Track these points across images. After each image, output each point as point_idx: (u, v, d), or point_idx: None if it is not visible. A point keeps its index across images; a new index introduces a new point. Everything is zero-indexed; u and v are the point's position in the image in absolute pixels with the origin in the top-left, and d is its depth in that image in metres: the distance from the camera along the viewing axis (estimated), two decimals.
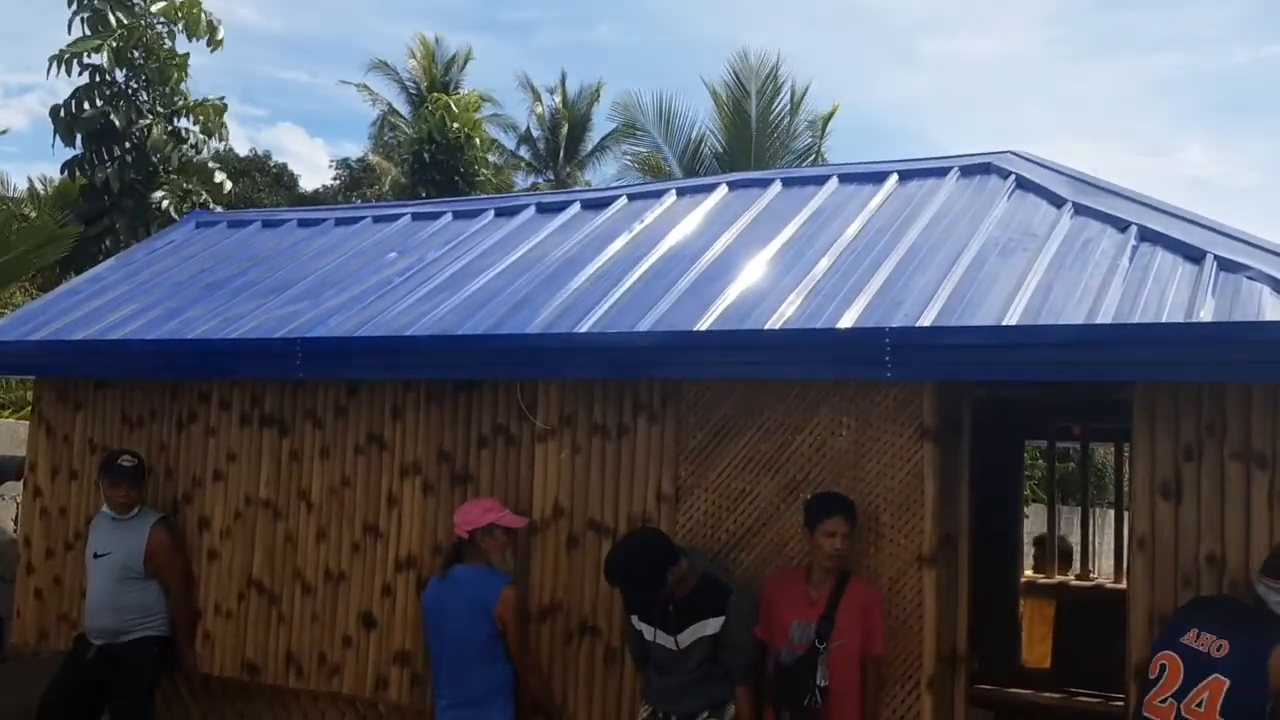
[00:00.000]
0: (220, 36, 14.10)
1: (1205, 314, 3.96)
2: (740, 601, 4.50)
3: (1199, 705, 3.53)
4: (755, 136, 18.42)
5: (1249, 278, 4.16)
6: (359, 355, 5.36)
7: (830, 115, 19.66)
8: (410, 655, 5.43)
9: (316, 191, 28.21)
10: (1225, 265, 4.29)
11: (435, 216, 7.12)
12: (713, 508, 4.90)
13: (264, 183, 26.39)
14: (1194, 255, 4.41)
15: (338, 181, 28.62)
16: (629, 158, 21.70)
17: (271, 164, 28.70)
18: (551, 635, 5.13)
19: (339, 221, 7.51)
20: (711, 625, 4.44)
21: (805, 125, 19.52)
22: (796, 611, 4.41)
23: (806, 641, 4.35)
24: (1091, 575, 7.58)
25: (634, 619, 4.61)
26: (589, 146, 26.76)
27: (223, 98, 14.12)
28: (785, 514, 4.75)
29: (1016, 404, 6.34)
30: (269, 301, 6.24)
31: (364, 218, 7.46)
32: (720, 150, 18.80)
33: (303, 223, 7.68)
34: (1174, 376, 3.96)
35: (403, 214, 7.31)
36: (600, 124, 26.42)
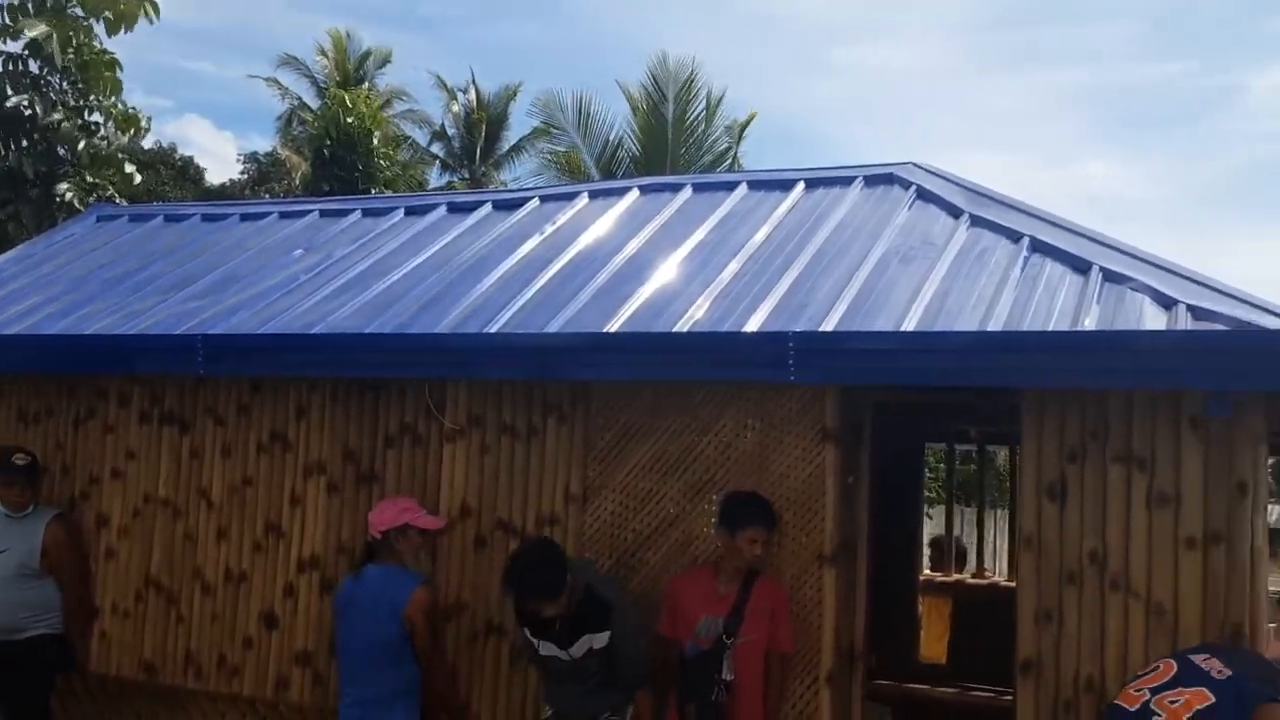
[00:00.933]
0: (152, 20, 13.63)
1: (1090, 323, 4.14)
2: (623, 615, 4.45)
3: (1173, 703, 3.49)
4: (671, 141, 18.56)
5: (1132, 289, 4.36)
6: (262, 352, 5.31)
7: (747, 123, 19.91)
8: (312, 655, 5.38)
9: (224, 185, 27.60)
10: (1110, 276, 4.48)
11: (344, 214, 7.07)
12: (620, 508, 4.95)
13: (169, 176, 25.73)
14: (1081, 266, 4.60)
15: (246, 176, 28.05)
16: (547, 156, 21.67)
17: (177, 157, 28.01)
18: (457, 635, 5.12)
19: (244, 217, 7.40)
20: (599, 639, 4.43)
21: (722, 131, 19.74)
22: (705, 607, 4.46)
23: (713, 636, 4.41)
24: (987, 574, 7.82)
25: (525, 632, 4.60)
26: (506, 146, 26.65)
27: (149, 118, 13.96)
28: (691, 514, 4.82)
29: (917, 407, 6.51)
30: (171, 297, 6.14)
31: (270, 213, 7.37)
32: (637, 153, 18.90)
33: (207, 218, 7.56)
34: (1060, 383, 4.12)
35: (310, 210, 7.24)
36: (518, 123, 26.37)
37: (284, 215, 7.32)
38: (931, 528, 10.01)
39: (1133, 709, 3.53)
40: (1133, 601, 4.09)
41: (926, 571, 7.85)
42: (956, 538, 8.15)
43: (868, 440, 4.79)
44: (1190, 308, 4.14)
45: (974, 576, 7.62)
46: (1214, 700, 3.42)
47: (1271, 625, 9.10)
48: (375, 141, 19.30)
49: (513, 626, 4.94)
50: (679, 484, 4.85)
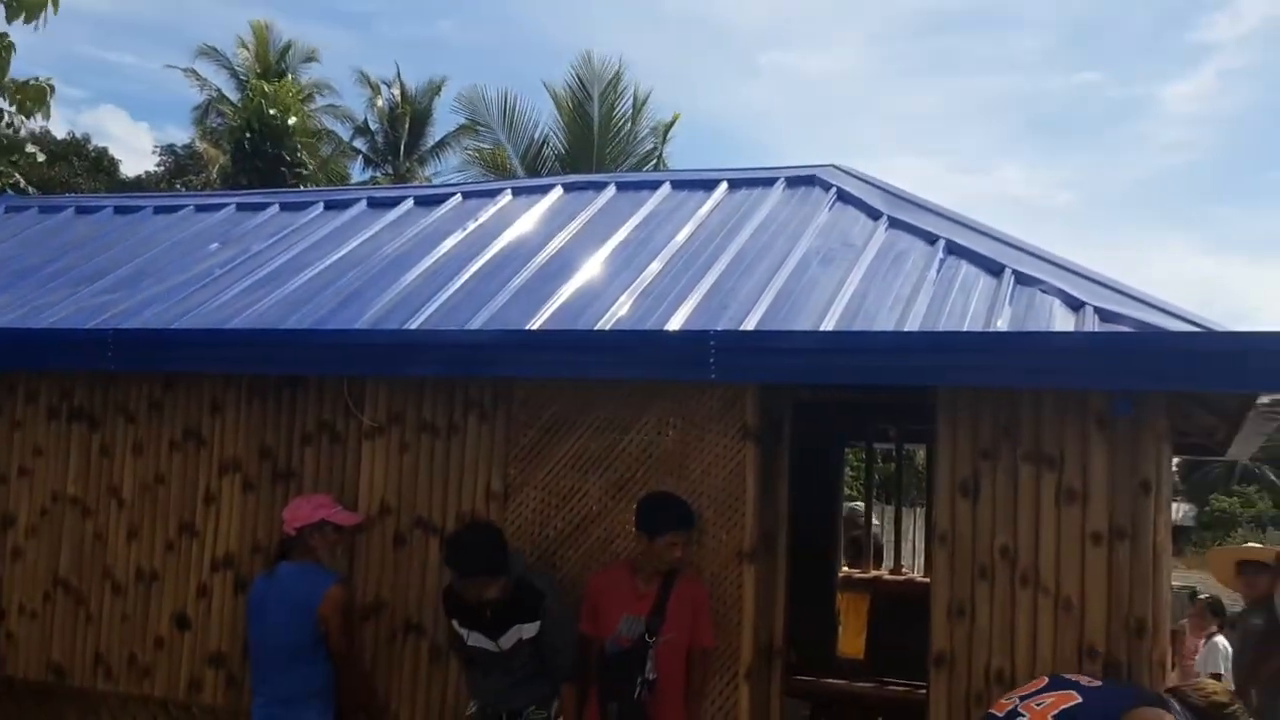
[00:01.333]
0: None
1: (1002, 324, 4.24)
2: (555, 604, 4.48)
3: (1038, 705, 3.52)
4: (597, 140, 18.54)
5: (1043, 291, 4.47)
6: (175, 347, 5.20)
7: (672, 123, 19.96)
8: (226, 656, 5.28)
9: (139, 178, 26.94)
10: (1022, 279, 4.59)
11: (261, 208, 6.96)
12: (541, 505, 4.94)
13: (82, 168, 25.05)
14: (994, 269, 4.71)
15: (162, 168, 27.39)
16: (471, 153, 21.48)
17: (91, 148, 27.27)
18: (376, 634, 5.07)
19: (159, 210, 7.25)
20: (529, 629, 4.45)
21: (648, 131, 19.77)
22: (625, 606, 4.47)
23: (635, 635, 4.42)
24: (904, 570, 7.96)
25: (455, 623, 4.59)
26: (430, 142, 26.39)
27: (50, 79, 13.40)
28: (613, 512, 4.82)
29: (837, 406, 6.60)
30: (81, 291, 5.99)
31: (185, 206, 7.23)
32: (562, 151, 18.84)
33: (120, 210, 7.39)
34: (973, 381, 4.21)
35: (227, 204, 7.12)
36: (443, 119, 26.11)
37: (200, 208, 7.18)
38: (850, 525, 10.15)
39: (1001, 714, 3.58)
40: (1041, 596, 4.19)
41: (845, 569, 7.95)
42: (875, 534, 8.27)
43: (787, 439, 4.84)
44: (1097, 310, 4.26)
45: (891, 573, 7.75)
46: (1080, 700, 3.47)
47: (1183, 621, 9.40)
48: (293, 130, 18.96)
49: (435, 622, 4.91)
50: (600, 482, 4.85)
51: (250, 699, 4.86)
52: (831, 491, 7.59)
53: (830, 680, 6.74)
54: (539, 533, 4.92)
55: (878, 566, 7.93)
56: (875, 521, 8.59)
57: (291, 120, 18.95)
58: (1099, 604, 4.11)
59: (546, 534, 4.91)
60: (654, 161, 19.18)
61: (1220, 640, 8.47)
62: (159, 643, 5.45)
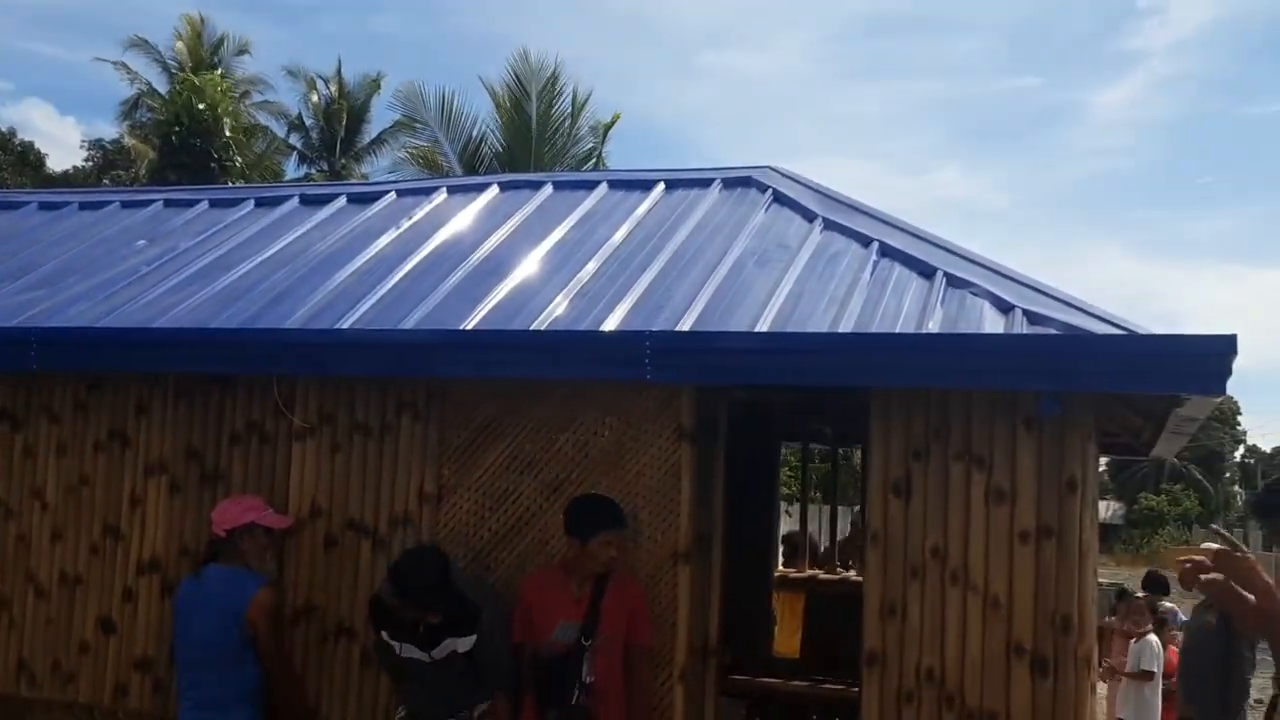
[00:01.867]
0: None
1: (933, 325, 4.29)
2: (491, 618, 4.40)
3: None
4: (535, 139, 18.44)
5: (973, 293, 4.53)
6: (100, 347, 5.09)
7: (611, 123, 19.94)
8: (152, 661, 5.17)
9: (67, 173, 26.35)
10: (954, 281, 4.65)
11: (190, 204, 6.84)
12: (475, 507, 4.90)
13: (7, 162, 24.44)
14: (927, 271, 4.76)
15: (90, 163, 26.78)
16: (408, 150, 21.26)
17: (16, 142, 26.61)
18: (307, 637, 4.99)
19: (84, 206, 7.09)
20: (464, 643, 4.36)
21: (588, 130, 19.71)
22: (560, 611, 4.42)
23: (570, 640, 4.39)
24: (839, 569, 8.01)
25: (383, 635, 4.50)
26: (367, 138, 26.08)
27: None
28: (548, 513, 4.79)
29: (774, 407, 6.63)
30: (3, 288, 5.85)
31: (112, 202, 7.08)
32: (500, 150, 18.71)
33: (44, 205, 7.22)
34: (905, 382, 4.25)
35: (154, 200, 6.98)
36: (380, 116, 25.82)
37: (126, 205, 7.03)
38: (789, 525, 10.21)
39: None
40: (971, 594, 4.24)
41: (781, 568, 7.99)
42: (810, 534, 8.32)
43: (723, 439, 4.85)
44: (1026, 312, 4.33)
45: (827, 572, 7.80)
46: None
47: (1109, 619, 9.54)
48: (228, 131, 18.65)
49: (365, 628, 4.83)
50: (535, 482, 4.83)
51: (177, 704, 4.76)
52: (768, 491, 7.63)
53: (766, 679, 6.76)
54: (473, 534, 4.88)
55: (814, 566, 7.98)
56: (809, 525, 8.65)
57: (226, 119, 18.61)
58: (1026, 602, 4.17)
59: (480, 536, 4.88)
60: (593, 161, 19.13)
61: (1153, 639, 8.63)
62: (84, 648, 5.32)
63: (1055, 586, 4.16)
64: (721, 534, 4.85)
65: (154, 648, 5.17)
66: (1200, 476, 41.38)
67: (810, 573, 7.81)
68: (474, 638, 4.36)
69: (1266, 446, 50.74)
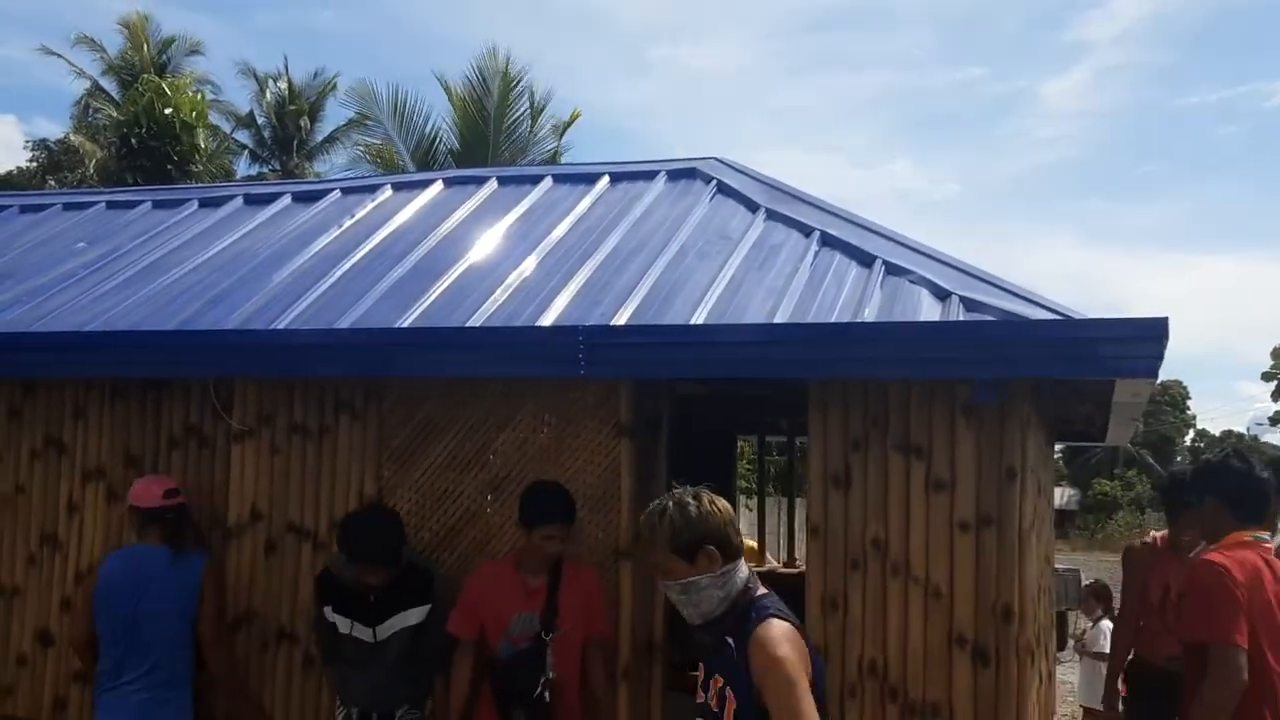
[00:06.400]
0: None
1: (870, 313, 4.24)
2: (443, 586, 4.42)
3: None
4: (493, 137, 18.29)
5: (911, 280, 4.49)
6: (30, 351, 5.00)
7: (570, 121, 19.80)
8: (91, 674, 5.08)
9: (10, 174, 25.87)
10: (892, 269, 4.61)
11: (133, 205, 6.74)
12: (416, 507, 4.84)
13: None
14: (866, 260, 4.72)
15: (35, 164, 26.25)
16: (360, 149, 21.05)
17: None
18: (248, 643, 4.92)
19: (25, 209, 6.98)
20: (415, 615, 4.33)
21: (548, 129, 19.58)
22: (515, 605, 4.29)
23: (530, 633, 4.27)
24: (796, 562, 7.99)
25: (328, 610, 4.43)
26: (319, 137, 25.78)
27: None
28: (488, 511, 4.74)
29: (727, 400, 6.59)
30: None
31: (53, 205, 6.98)
32: (456, 148, 18.56)
33: None
34: (840, 372, 4.20)
35: (96, 202, 6.89)
36: (334, 114, 25.55)
37: (68, 207, 6.93)
38: (748, 519, 10.18)
39: None
40: (912, 585, 4.20)
41: None
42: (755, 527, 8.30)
43: (665, 433, 4.80)
44: (963, 299, 4.28)
45: (784, 566, 7.78)
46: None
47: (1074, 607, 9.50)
48: (200, 138, 18.47)
49: (308, 631, 4.75)
50: (476, 481, 4.77)
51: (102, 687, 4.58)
52: (722, 485, 7.58)
53: None
54: (414, 535, 4.80)
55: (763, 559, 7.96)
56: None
57: (200, 130, 18.42)
58: (967, 592, 4.14)
59: (422, 536, 4.81)
60: (552, 159, 18.99)
61: (1106, 624, 8.64)
62: (21, 660, 5.23)
63: (996, 576, 4.12)
64: None
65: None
66: (1153, 461, 41.80)
67: (769, 565, 7.78)
68: (428, 607, 4.32)
69: (1216, 430, 51.22)
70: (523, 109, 18.72)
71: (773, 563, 7.91)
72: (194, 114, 18.75)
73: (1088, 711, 7.92)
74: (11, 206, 7.07)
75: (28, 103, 63.67)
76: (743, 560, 2.89)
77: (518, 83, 18.54)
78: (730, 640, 2.81)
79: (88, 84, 23.43)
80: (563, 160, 18.66)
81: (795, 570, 7.67)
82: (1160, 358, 3.76)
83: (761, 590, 2.90)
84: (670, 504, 2.90)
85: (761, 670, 2.70)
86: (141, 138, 17.75)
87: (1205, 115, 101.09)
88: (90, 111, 23.14)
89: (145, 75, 20.61)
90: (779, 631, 2.74)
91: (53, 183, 22.22)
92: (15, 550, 5.28)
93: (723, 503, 2.91)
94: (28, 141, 36.71)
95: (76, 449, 5.25)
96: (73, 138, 23.13)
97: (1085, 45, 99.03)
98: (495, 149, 18.00)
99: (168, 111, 18.25)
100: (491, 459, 4.75)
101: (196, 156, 18.39)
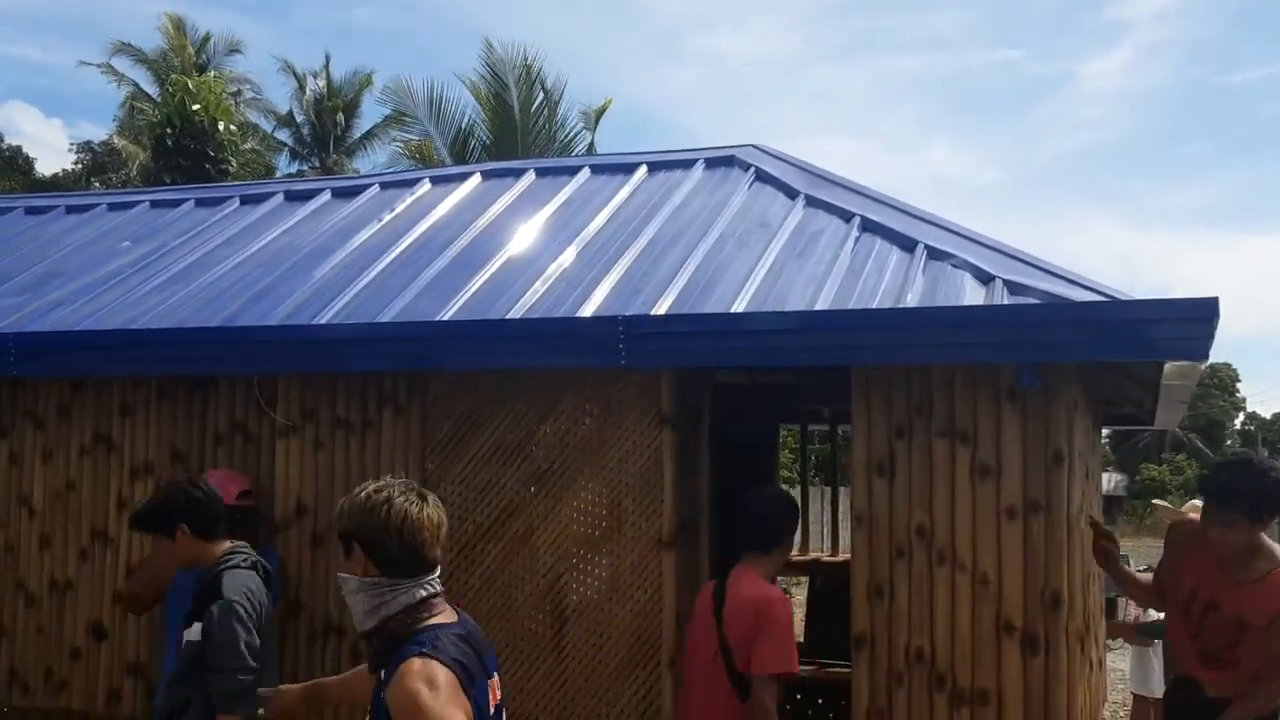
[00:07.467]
0: None
1: (912, 299, 4.19)
2: (228, 613, 3.63)
3: None
4: (520, 128, 18.26)
5: (953, 265, 4.44)
6: (80, 350, 5.07)
7: (603, 109, 19.73)
8: (145, 666, 5.15)
9: (56, 176, 26.28)
10: (934, 254, 4.56)
11: (176, 204, 6.81)
12: (460, 499, 4.85)
13: None
14: (908, 245, 4.67)
15: (80, 166, 26.66)
16: (399, 145, 21.15)
17: (4, 146, 26.61)
18: (296, 636, 4.96)
19: (70, 209, 7.07)
20: (192, 632, 3.68)
21: (578, 117, 19.52)
22: None
23: None
24: (842, 552, 7.94)
25: None
26: (358, 133, 25.93)
27: None
28: (532, 503, 4.75)
29: (770, 389, 6.55)
30: None
31: (98, 205, 7.06)
32: (488, 141, 18.56)
33: (31, 210, 7.21)
34: (882, 358, 4.16)
35: (140, 201, 6.96)
36: (371, 111, 25.74)
37: (113, 207, 7.01)
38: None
39: None
40: (959, 573, 4.16)
41: None
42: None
43: (707, 422, 4.78)
44: (1007, 283, 4.23)
45: (829, 555, 7.73)
46: None
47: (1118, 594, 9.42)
48: (222, 130, 18.58)
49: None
50: (519, 472, 4.77)
51: None
52: (766, 474, 7.55)
53: None
54: (459, 527, 4.82)
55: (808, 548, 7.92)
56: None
57: (221, 123, 18.53)
58: (1015, 578, 4.09)
59: (466, 529, 4.82)
60: (586, 148, 18.95)
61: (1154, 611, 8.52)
62: (75, 654, 5.31)
63: (1044, 562, 4.07)
64: (708, 518, 4.79)
65: (145, 652, 5.15)
66: (1202, 445, 41.03)
67: (813, 555, 7.74)
68: (199, 628, 3.66)
69: (1266, 413, 50.14)
70: (542, 99, 18.56)
71: (817, 553, 7.87)
72: (217, 106, 18.83)
73: (1138, 699, 7.81)
74: (58, 207, 7.17)
75: (72, 107, 64.70)
76: (422, 585, 2.47)
77: (528, 72, 18.39)
78: (382, 672, 2.44)
79: (130, 88, 23.76)
80: (597, 150, 18.64)
81: (840, 559, 7.63)
82: (1210, 338, 3.69)
83: (437, 621, 2.46)
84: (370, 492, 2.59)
85: (399, 713, 2.32)
86: (175, 137, 17.89)
87: (1250, 93, 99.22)
88: (135, 114, 23.47)
89: (174, 75, 20.80)
90: (419, 672, 2.32)
91: (97, 184, 22.56)
92: (67, 545, 5.35)
93: (433, 512, 2.53)
94: (72, 144, 37.31)
95: (125, 446, 5.31)
96: (116, 140, 23.45)
97: (1124, 24, 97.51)
98: (524, 140, 17.94)
99: (195, 109, 18.35)
100: (534, 450, 4.76)
101: (226, 150, 18.47)
